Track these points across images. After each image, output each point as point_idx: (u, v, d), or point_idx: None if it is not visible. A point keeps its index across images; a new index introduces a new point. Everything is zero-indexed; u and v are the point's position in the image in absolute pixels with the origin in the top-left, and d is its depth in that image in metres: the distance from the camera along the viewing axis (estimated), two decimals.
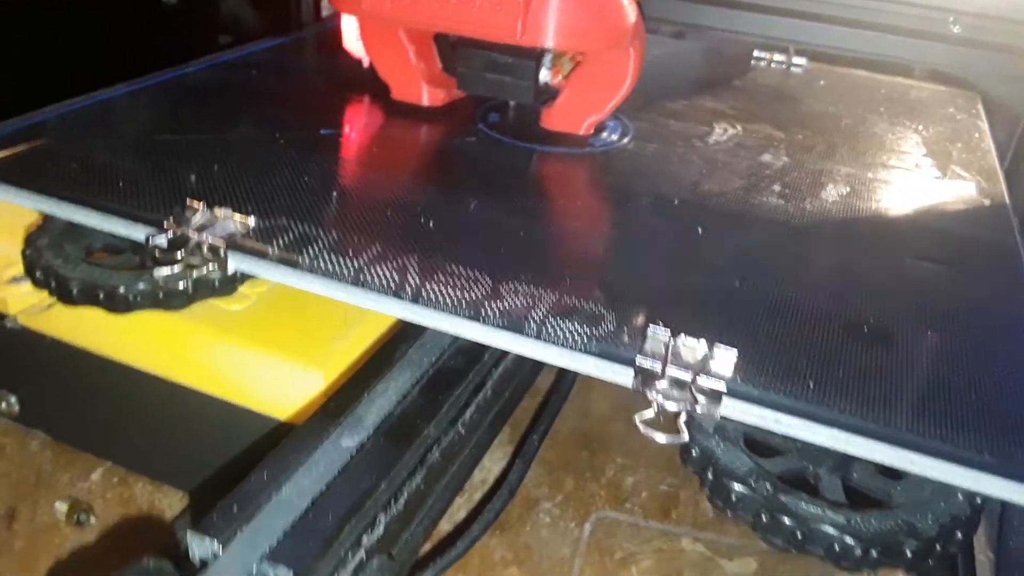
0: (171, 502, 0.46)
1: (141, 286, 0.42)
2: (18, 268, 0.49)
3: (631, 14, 0.48)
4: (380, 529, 0.33)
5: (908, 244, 0.43)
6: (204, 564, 0.29)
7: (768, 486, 0.35)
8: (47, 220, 0.47)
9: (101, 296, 0.42)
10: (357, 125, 0.53)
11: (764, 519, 0.35)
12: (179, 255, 0.36)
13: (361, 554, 0.32)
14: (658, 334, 0.32)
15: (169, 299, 0.42)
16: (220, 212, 0.38)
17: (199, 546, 0.29)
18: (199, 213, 0.38)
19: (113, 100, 0.53)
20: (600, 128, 0.53)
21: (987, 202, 0.48)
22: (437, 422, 0.38)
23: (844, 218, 0.45)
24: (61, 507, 0.46)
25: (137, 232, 0.38)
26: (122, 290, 0.42)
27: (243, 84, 0.58)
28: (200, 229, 0.37)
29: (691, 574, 0.43)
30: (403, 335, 0.41)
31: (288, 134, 0.50)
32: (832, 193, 0.48)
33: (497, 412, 0.44)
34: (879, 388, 0.32)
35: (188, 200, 0.38)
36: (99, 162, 0.44)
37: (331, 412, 0.36)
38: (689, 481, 0.48)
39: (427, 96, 0.54)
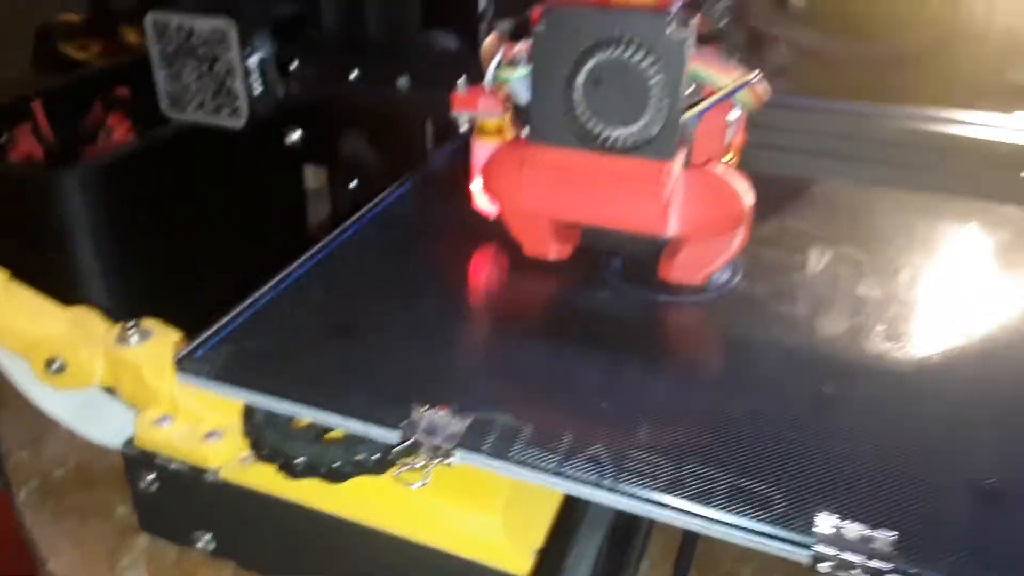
0: None
1: (355, 459, 0.50)
2: (211, 425, 0.56)
3: (749, 196, 0.55)
4: None
5: None
6: None
7: None
8: None
9: (323, 471, 0.50)
10: (511, 289, 0.60)
11: None
12: (415, 456, 0.44)
13: None
14: (826, 521, 0.40)
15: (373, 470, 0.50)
16: (438, 413, 0.46)
17: None
18: (423, 416, 0.45)
19: (298, 284, 0.60)
20: None
21: None
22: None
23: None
24: None
25: (378, 432, 0.46)
26: (338, 464, 0.50)
27: (396, 247, 0.66)
28: (428, 432, 0.45)
29: None
30: None
31: (462, 306, 0.57)
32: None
33: None
34: None
35: (412, 405, 0.46)
36: (311, 360, 0.52)
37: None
38: None
39: (554, 252, 0.61)
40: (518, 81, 0.56)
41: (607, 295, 0.59)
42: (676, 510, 0.42)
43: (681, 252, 0.58)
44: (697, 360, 0.54)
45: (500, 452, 0.44)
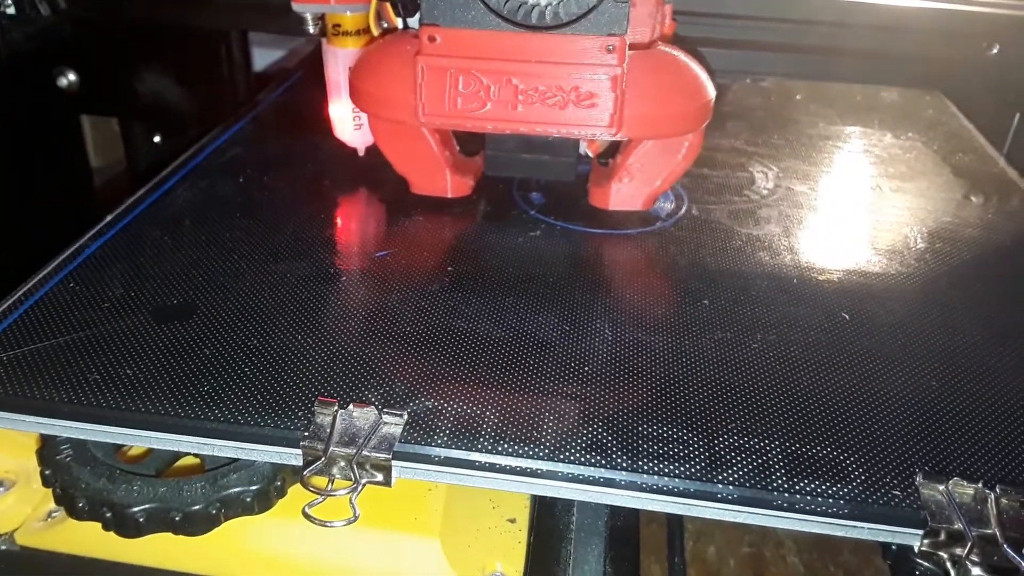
0: None
1: (224, 496, 0.33)
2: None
3: (712, 87, 0.43)
4: None
5: None
6: None
7: None
8: None
9: (176, 520, 0.33)
10: (408, 238, 0.45)
11: None
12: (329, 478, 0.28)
13: None
14: (931, 485, 0.29)
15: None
16: (360, 412, 0.30)
17: None
18: (333, 417, 0.30)
19: (98, 258, 0.42)
20: None
21: None
22: None
23: None
24: None
25: (284, 456, 0.30)
26: (199, 507, 0.33)
27: (241, 199, 0.48)
28: (346, 440, 0.29)
29: None
30: None
31: (339, 264, 0.41)
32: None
33: None
34: None
35: (315, 405, 0.30)
36: (135, 358, 0.34)
37: None
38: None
39: (452, 187, 0.47)
40: None
41: (538, 235, 0.45)
42: (727, 502, 0.29)
43: (619, 170, 0.45)
44: (677, 300, 0.41)
45: (463, 456, 0.30)
